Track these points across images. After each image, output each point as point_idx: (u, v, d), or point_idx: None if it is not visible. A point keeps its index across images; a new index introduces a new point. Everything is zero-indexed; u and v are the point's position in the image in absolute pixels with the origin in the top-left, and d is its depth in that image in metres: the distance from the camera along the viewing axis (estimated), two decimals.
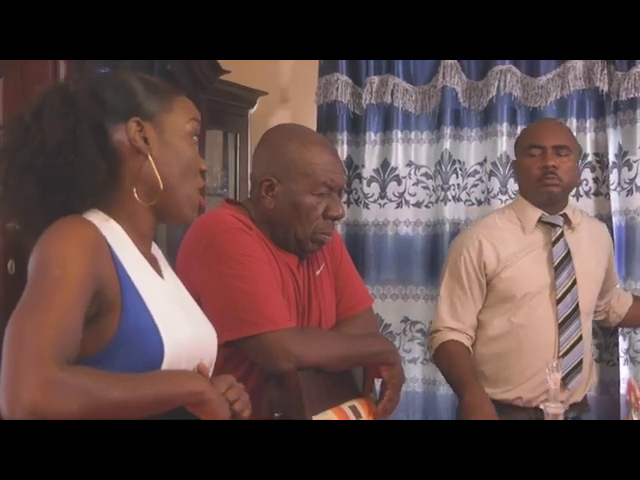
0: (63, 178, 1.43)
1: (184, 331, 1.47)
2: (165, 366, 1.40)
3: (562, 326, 2.61)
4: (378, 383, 2.17)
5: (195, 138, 1.55)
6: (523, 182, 2.75)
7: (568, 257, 2.64)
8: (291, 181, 2.06)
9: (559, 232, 2.67)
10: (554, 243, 2.66)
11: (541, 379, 2.58)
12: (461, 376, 2.58)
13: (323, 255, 2.21)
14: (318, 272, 2.18)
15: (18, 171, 1.44)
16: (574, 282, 2.63)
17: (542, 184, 2.64)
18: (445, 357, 2.66)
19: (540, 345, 2.61)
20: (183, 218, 1.55)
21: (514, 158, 2.84)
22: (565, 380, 2.59)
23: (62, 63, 2.50)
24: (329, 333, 2.13)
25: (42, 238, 1.38)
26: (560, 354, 2.57)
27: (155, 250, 1.58)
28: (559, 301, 2.62)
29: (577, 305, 2.62)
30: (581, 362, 2.63)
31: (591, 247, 2.73)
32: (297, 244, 2.09)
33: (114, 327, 1.38)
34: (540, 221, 2.68)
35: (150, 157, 1.48)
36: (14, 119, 1.49)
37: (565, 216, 2.70)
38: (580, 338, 2.63)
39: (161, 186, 1.48)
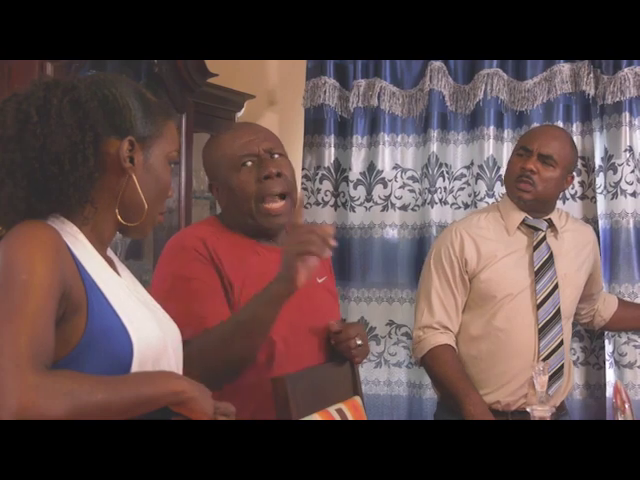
0: (52, 186, 1.41)
1: (151, 329, 1.47)
2: (135, 365, 1.40)
3: (542, 331, 2.60)
4: (366, 384, 2.14)
5: (172, 165, 1.58)
6: (505, 179, 2.75)
7: (550, 261, 2.64)
8: (220, 173, 2.12)
9: (541, 236, 2.66)
10: (535, 247, 2.65)
11: (520, 383, 2.59)
12: (458, 384, 2.56)
13: (324, 269, 2.21)
14: (320, 280, 2.18)
15: (3, 168, 1.41)
16: (556, 286, 2.62)
17: (516, 186, 2.63)
18: (438, 363, 2.62)
19: (519, 349, 2.60)
20: (142, 235, 1.59)
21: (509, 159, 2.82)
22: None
23: (49, 64, 2.49)
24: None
25: (3, 243, 1.37)
26: (540, 359, 2.56)
27: (109, 252, 1.57)
28: (539, 306, 2.60)
29: (558, 310, 2.62)
30: (562, 367, 2.62)
31: (574, 251, 2.73)
32: (254, 223, 2.09)
33: (81, 329, 1.37)
34: (523, 223, 2.68)
35: (134, 178, 1.48)
36: (11, 106, 1.43)
37: (550, 221, 2.69)
38: (561, 343, 2.62)
39: (146, 207, 1.49)
